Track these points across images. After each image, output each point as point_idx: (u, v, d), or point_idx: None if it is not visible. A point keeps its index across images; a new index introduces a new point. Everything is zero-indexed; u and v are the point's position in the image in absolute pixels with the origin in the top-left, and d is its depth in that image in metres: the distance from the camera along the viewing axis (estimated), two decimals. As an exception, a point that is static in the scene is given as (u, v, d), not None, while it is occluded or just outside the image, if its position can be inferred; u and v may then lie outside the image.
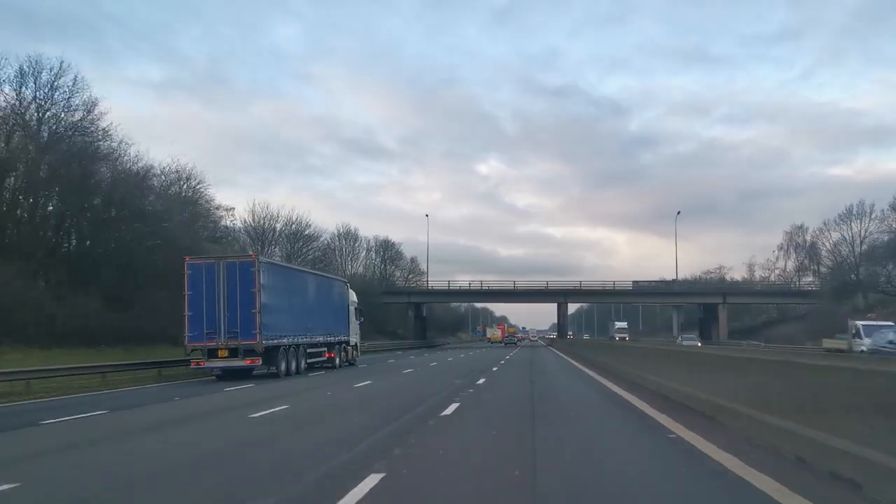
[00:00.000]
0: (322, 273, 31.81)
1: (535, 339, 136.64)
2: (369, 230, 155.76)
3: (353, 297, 34.77)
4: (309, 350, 27.77)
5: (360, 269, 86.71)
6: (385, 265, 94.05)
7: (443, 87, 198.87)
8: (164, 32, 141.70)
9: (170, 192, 50.29)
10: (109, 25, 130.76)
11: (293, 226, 70.06)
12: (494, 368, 26.74)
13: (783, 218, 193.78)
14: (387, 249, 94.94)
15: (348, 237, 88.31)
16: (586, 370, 24.69)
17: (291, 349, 25.56)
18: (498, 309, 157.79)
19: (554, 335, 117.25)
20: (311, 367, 28.71)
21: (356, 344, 35.08)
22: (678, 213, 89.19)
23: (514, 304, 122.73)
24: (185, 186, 52.78)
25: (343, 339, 32.23)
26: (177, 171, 51.88)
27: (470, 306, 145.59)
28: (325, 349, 29.91)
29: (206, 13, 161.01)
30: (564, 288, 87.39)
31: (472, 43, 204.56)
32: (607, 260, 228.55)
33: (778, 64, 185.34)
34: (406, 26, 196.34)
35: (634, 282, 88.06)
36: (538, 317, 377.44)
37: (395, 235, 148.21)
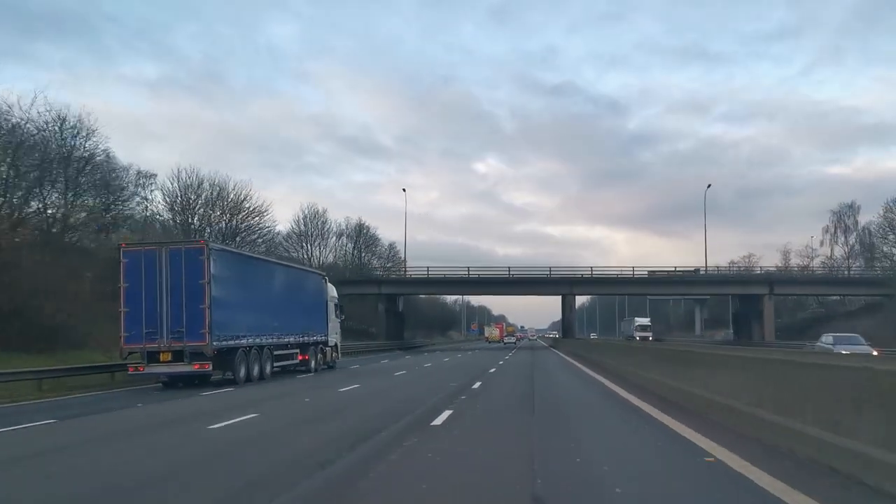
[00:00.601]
0: (293, 264, 28.13)
1: (534, 337, 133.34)
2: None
3: (332, 291, 31.18)
4: (277, 352, 24.19)
5: (331, 258, 72.50)
6: (359, 252, 78.65)
7: (440, 86, 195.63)
8: (161, 30, 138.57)
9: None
10: (106, 23, 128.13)
11: (224, 193, 51.05)
12: (476, 385, 18.10)
13: (782, 217, 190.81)
14: (360, 234, 78.39)
15: (314, 219, 73.08)
16: (620, 392, 15.10)
17: (253, 351, 21.96)
18: (495, 306, 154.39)
19: (554, 334, 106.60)
20: (281, 372, 25.19)
21: (336, 345, 31.51)
22: (708, 186, 74.50)
23: (511, 300, 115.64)
24: (65, 136, 36.15)
25: (320, 339, 28.66)
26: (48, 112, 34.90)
27: (465, 303, 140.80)
28: (298, 351, 26.35)
29: (202, 11, 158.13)
30: (571, 276, 68.95)
31: (470, 41, 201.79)
32: (606, 259, 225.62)
33: (777, 61, 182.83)
34: (403, 24, 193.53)
35: (651, 271, 70.55)
36: (537, 315, 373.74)
37: (393, 234, 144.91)
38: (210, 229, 49.81)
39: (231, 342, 20.40)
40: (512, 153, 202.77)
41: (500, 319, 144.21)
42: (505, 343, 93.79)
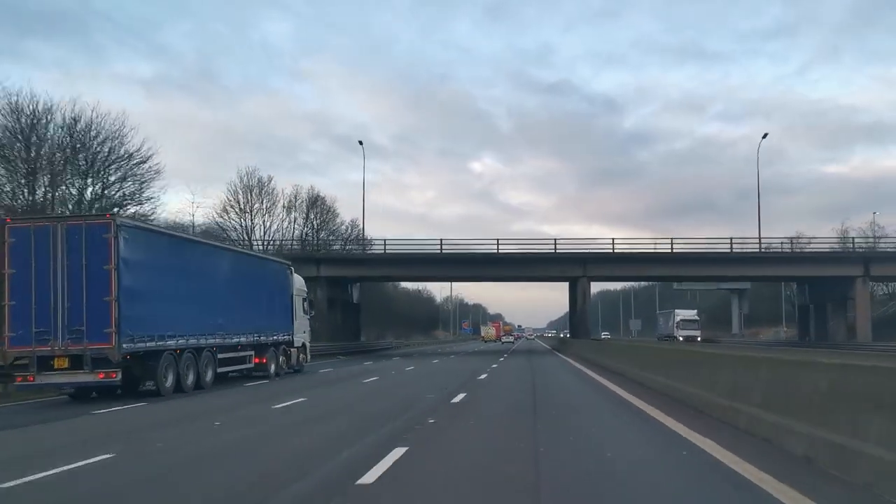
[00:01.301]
0: (246, 251, 23.89)
1: (532, 337, 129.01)
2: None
3: (298, 284, 27.01)
4: (222, 356, 20.05)
5: (277, 235, 58.00)
6: (312, 229, 61.70)
7: (436, 84, 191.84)
8: (154, 28, 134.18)
9: None
10: (98, 21, 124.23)
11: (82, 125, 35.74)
12: (432, 420, 11.21)
13: (780, 217, 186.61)
14: (313, 207, 61.68)
15: (257, 186, 57.53)
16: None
17: (187, 355, 17.79)
18: (491, 304, 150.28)
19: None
20: (230, 378, 21.11)
21: (304, 345, 27.36)
22: (764, 136, 55.33)
23: (505, 294, 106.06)
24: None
25: (282, 339, 24.53)
26: None
27: (457, 300, 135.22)
28: (252, 353, 22.21)
29: (195, 8, 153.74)
30: (584, 253, 48.54)
31: (466, 39, 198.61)
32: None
33: (773, 59, 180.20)
34: (399, 22, 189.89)
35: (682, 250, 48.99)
36: (536, 315, 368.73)
37: (390, 233, 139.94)
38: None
39: (152, 344, 16.21)
40: (508, 152, 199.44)
41: (496, 318, 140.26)
42: (503, 342, 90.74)
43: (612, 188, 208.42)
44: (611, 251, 49.08)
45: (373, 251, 54.24)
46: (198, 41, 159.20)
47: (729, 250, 49.04)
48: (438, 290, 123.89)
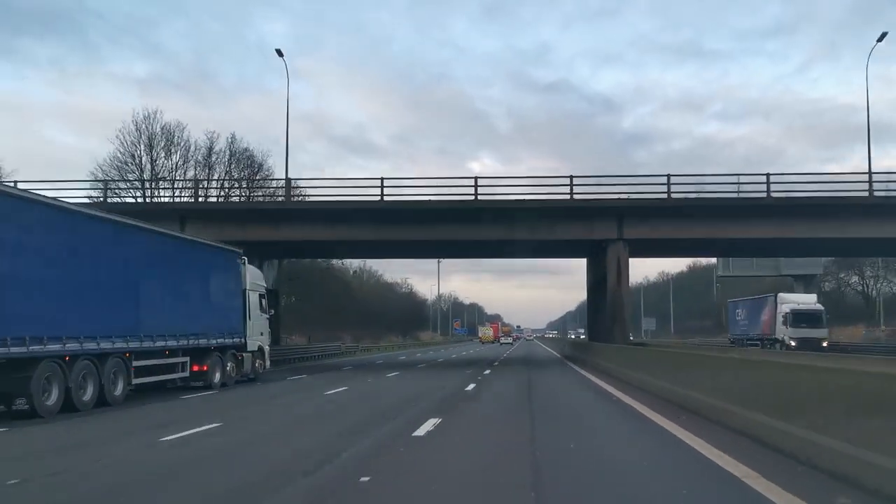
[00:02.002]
0: (176, 234, 19.71)
1: (531, 337, 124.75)
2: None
3: (254, 276, 23.02)
4: (143, 363, 16.04)
5: (185, 195, 40.22)
6: (242, 188, 45.77)
7: (434, 84, 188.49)
8: (148, 27, 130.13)
9: None
10: (92, 20, 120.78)
11: None
12: None
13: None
14: (236, 158, 46.36)
15: (161, 134, 43.10)
16: None
17: (84, 363, 13.74)
18: (488, 303, 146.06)
19: (553, 334, 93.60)
20: (157, 389, 17.18)
21: (262, 349, 23.33)
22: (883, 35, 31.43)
23: (501, 290, 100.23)
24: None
25: (230, 342, 20.55)
26: None
27: (452, 299, 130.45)
28: (187, 360, 18.19)
29: (190, 7, 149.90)
30: (620, 201, 29.38)
31: (463, 38, 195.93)
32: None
33: (772, 58, 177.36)
34: (396, 21, 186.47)
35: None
36: (533, 314, 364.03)
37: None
38: None
39: (21, 350, 12.15)
40: (506, 152, 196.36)
41: (494, 319, 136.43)
42: (501, 343, 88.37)
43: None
44: (664, 196, 28.50)
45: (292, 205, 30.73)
46: (193, 40, 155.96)
47: (867, 193, 28.84)
48: (429, 289, 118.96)
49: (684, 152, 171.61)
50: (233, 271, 21.12)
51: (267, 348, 23.90)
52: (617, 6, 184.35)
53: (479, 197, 29.12)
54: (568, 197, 28.91)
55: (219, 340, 19.72)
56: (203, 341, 18.74)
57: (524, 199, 29.15)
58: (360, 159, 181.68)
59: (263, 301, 23.43)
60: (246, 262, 22.11)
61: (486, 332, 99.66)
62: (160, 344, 16.69)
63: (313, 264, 56.43)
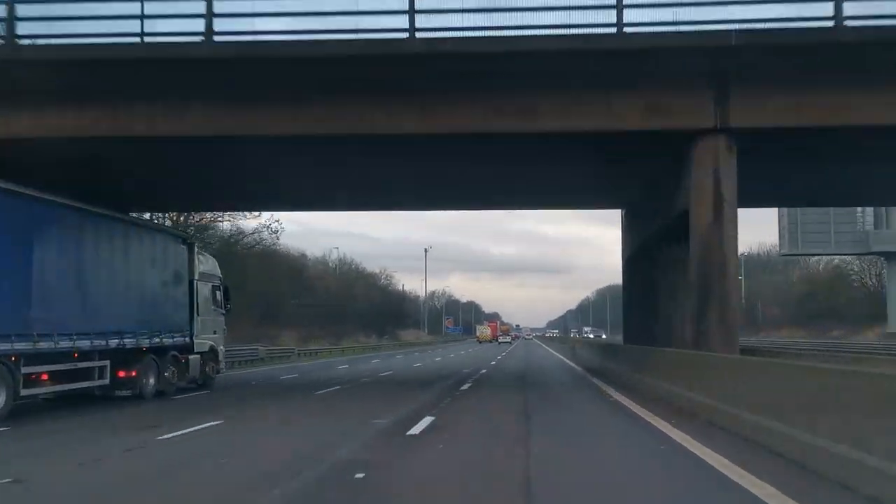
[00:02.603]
0: (91, 207, 15.92)
1: (530, 337, 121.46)
2: (358, 229, 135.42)
3: (207, 266, 19.69)
4: (39, 368, 12.75)
5: None
6: None
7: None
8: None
9: None
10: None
11: None
12: None
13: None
14: None
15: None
16: None
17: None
18: (486, 302, 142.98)
19: (554, 334, 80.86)
20: (91, 397, 13.89)
21: (214, 350, 19.94)
22: None
23: (500, 289, 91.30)
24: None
25: (170, 342, 17.19)
26: None
27: (446, 296, 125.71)
28: (107, 364, 14.80)
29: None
30: (718, 38, 12.98)
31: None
32: (604, 259, 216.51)
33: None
34: (393, 20, 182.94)
35: None
36: (533, 314, 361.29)
37: (386, 235, 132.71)
38: None
39: None
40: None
41: (492, 317, 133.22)
42: (499, 342, 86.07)
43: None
44: (829, 24, 13.10)
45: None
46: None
47: None
48: (422, 286, 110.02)
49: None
50: (176, 257, 17.78)
51: (222, 349, 20.56)
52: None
53: (418, 34, 14.45)
54: (614, 30, 13.63)
55: (153, 340, 16.36)
56: (130, 341, 15.39)
57: (511, 37, 14.26)
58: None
59: (218, 294, 20.07)
60: (195, 247, 18.80)
61: (483, 331, 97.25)
62: (65, 345, 13.36)
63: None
